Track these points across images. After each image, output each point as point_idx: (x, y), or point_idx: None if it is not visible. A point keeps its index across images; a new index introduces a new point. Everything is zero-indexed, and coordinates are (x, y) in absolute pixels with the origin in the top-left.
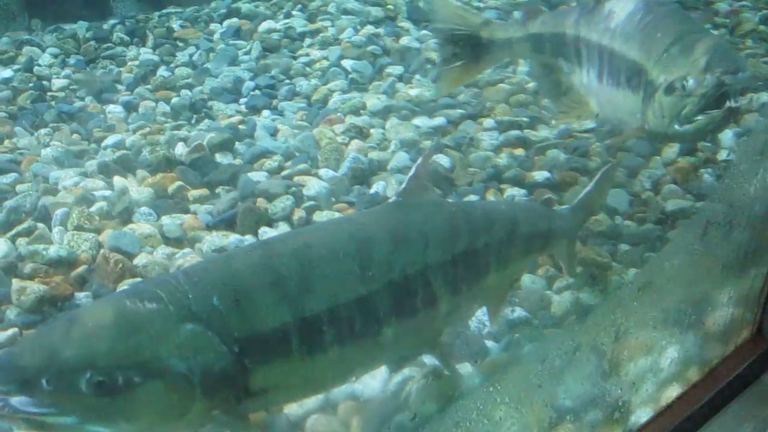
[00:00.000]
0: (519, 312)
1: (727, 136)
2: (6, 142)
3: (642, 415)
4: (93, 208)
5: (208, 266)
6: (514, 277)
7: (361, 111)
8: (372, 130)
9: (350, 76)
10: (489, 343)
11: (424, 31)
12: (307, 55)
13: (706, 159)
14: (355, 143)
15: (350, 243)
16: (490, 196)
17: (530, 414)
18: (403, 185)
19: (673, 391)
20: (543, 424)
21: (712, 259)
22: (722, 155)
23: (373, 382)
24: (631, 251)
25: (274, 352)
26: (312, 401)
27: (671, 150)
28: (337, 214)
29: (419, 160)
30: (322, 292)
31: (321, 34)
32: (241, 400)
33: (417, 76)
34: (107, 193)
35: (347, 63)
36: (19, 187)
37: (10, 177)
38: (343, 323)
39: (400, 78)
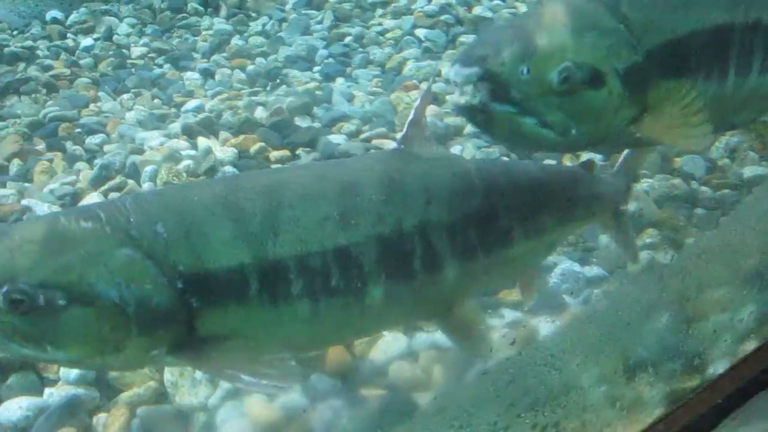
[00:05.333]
0: (597, 270)
1: None
2: (91, 105)
3: (719, 366)
4: (180, 166)
5: (163, 192)
6: (550, 250)
7: (436, 78)
8: (448, 97)
9: (423, 44)
10: (567, 298)
11: (497, 1)
12: (380, 24)
13: None
14: (432, 109)
15: (331, 186)
16: (566, 161)
17: (608, 363)
18: (403, 131)
19: (750, 345)
20: (621, 374)
21: None
22: None
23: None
24: (707, 215)
25: (227, 295)
26: (394, 348)
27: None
28: None
29: (417, 102)
30: (291, 236)
31: (393, 4)
32: (191, 343)
33: None
34: (192, 152)
35: (420, 32)
36: (106, 147)
37: (98, 138)
38: (315, 274)
39: None
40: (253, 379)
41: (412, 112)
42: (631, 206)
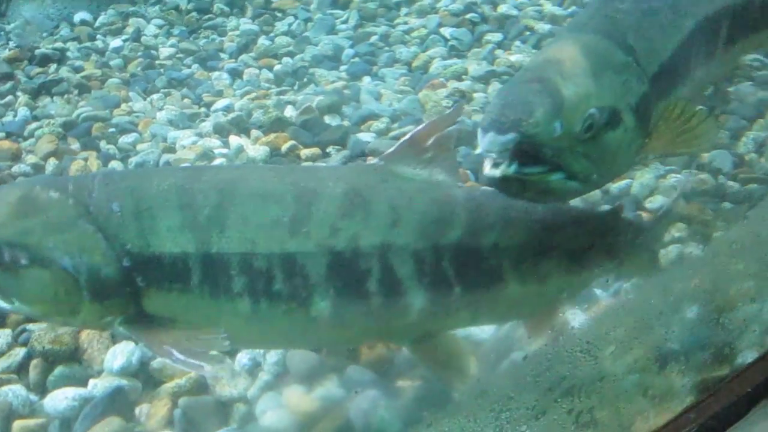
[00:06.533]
0: None
1: None
2: (123, 105)
3: (748, 356)
4: (213, 164)
5: (130, 173)
6: (555, 296)
7: (463, 76)
8: (475, 95)
9: (449, 43)
10: (597, 291)
11: None
12: (406, 23)
13: None
14: None
15: (290, 191)
16: None
17: (641, 351)
18: (392, 148)
19: None
20: (653, 363)
21: None
22: None
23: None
24: (735, 209)
25: (170, 280)
26: None
27: None
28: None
29: (421, 126)
30: (237, 233)
31: (417, 3)
32: (139, 318)
33: (516, 43)
34: (225, 150)
35: (446, 30)
36: (139, 147)
37: (131, 137)
38: (258, 275)
39: (499, 45)
40: (183, 357)
41: (410, 133)
42: (658, 202)
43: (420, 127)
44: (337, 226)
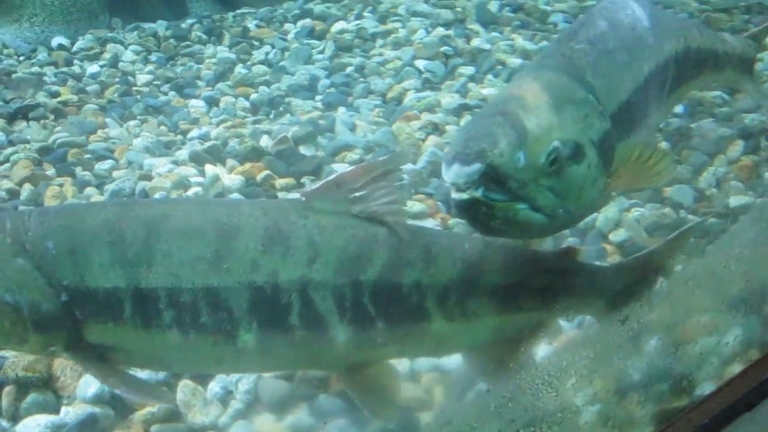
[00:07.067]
0: None
1: None
2: (99, 132)
3: (706, 388)
4: (189, 193)
5: (65, 209)
6: (493, 335)
7: (436, 108)
8: (447, 127)
9: (423, 75)
10: (561, 322)
11: (494, 33)
12: (381, 54)
13: None
14: (432, 139)
15: (212, 227)
16: None
17: (600, 383)
18: (314, 186)
19: (735, 368)
20: (612, 394)
21: None
22: None
23: (455, 355)
24: (695, 243)
25: (105, 313)
26: (398, 370)
27: (735, 148)
28: (417, 205)
29: (350, 168)
30: (163, 269)
31: (392, 35)
32: (83, 346)
33: (489, 77)
34: (200, 179)
35: (420, 63)
36: (115, 173)
37: (107, 164)
38: (184, 308)
39: (471, 78)
40: (132, 389)
41: (336, 174)
42: (622, 236)
43: (349, 169)
44: (258, 262)
